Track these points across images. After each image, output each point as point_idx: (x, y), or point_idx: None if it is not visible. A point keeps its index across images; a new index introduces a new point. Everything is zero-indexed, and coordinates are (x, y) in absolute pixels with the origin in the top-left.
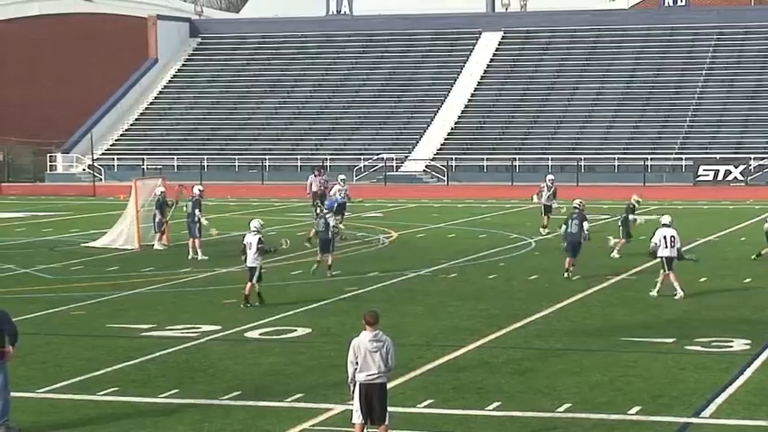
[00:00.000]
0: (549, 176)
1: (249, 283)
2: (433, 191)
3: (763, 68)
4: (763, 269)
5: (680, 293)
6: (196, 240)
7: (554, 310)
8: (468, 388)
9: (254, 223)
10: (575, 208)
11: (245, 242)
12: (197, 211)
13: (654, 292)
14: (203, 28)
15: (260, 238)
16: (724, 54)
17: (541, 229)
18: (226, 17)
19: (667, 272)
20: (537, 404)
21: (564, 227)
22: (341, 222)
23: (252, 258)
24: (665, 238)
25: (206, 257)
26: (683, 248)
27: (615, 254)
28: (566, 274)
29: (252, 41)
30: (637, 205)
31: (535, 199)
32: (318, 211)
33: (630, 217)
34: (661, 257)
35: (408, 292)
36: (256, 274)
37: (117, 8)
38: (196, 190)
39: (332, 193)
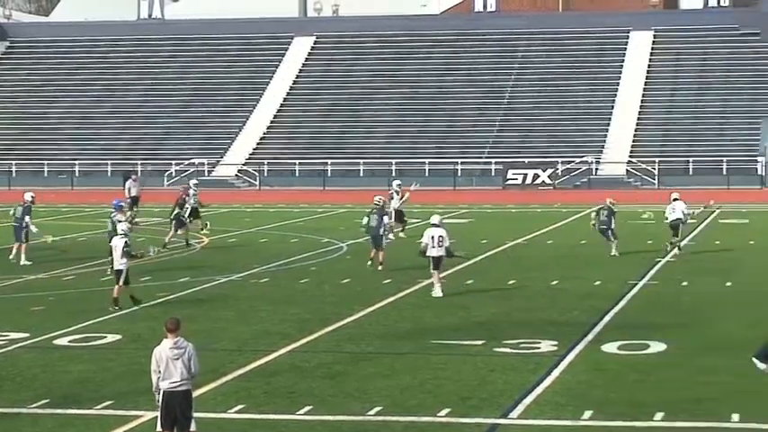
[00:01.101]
0: (396, 181)
1: (117, 287)
2: (245, 196)
3: (571, 74)
4: (570, 272)
5: (438, 293)
6: (22, 245)
7: (365, 313)
8: (279, 392)
9: (122, 227)
10: (375, 204)
11: (112, 245)
12: (27, 218)
13: (437, 292)
14: (11, 32)
15: (126, 242)
16: (533, 60)
17: (401, 234)
18: (35, 20)
19: (433, 271)
20: (348, 408)
21: (366, 219)
22: (204, 228)
23: (117, 261)
24: (433, 237)
25: (29, 263)
26: (452, 250)
27: (615, 252)
28: (369, 264)
29: (62, 45)
30: (613, 207)
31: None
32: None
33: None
34: (429, 257)
35: (220, 297)
36: (123, 276)
37: None
38: (28, 196)
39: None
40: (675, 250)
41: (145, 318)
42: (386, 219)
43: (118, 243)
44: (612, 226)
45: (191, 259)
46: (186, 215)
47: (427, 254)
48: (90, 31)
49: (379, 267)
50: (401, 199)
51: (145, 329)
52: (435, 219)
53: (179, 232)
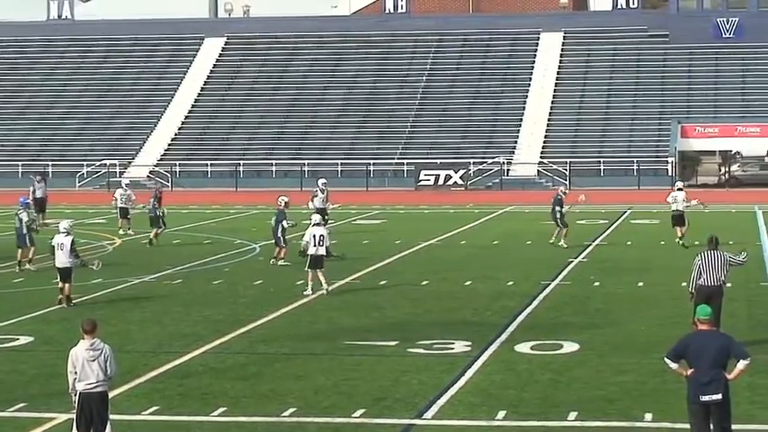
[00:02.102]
0: (321, 180)
1: (66, 284)
2: None
3: (481, 75)
4: (482, 272)
5: (309, 292)
6: None
7: (279, 314)
8: (193, 394)
9: (64, 224)
10: (278, 204)
11: (54, 243)
12: None
13: (309, 291)
14: None
15: (73, 239)
16: (444, 61)
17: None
18: None
19: (315, 270)
20: (262, 409)
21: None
22: (160, 232)
23: (65, 259)
24: (314, 236)
25: None
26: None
27: (563, 243)
28: (272, 261)
29: None
30: (564, 197)
31: (311, 205)
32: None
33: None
34: (309, 255)
35: (133, 298)
36: (69, 273)
37: None
38: None
39: (115, 196)
40: (681, 241)
41: (58, 319)
42: (285, 222)
43: (65, 241)
44: (557, 215)
45: (103, 261)
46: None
47: (309, 252)
48: None
49: (280, 262)
50: (325, 199)
51: (58, 331)
52: (317, 218)
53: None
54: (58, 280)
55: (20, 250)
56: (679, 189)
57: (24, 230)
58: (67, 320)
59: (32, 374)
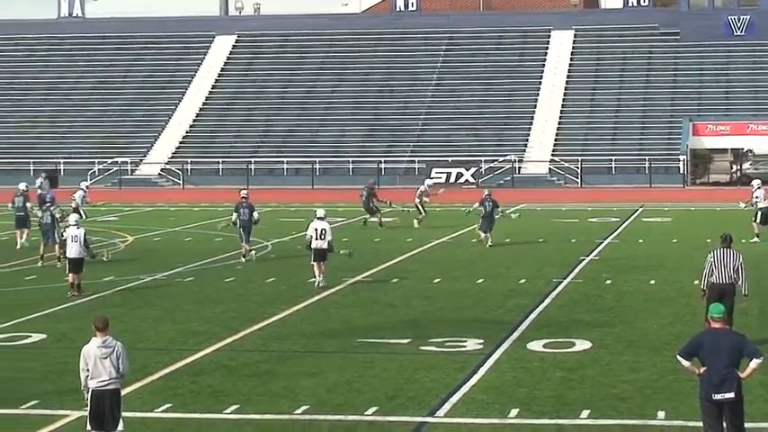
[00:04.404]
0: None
1: (72, 274)
2: (169, 194)
3: (493, 73)
4: (494, 270)
5: (321, 282)
6: None
7: (291, 312)
8: (206, 392)
9: (74, 216)
10: (242, 198)
11: (67, 235)
12: None
13: (321, 282)
14: None
15: (85, 231)
16: (455, 58)
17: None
18: None
19: (313, 263)
20: (275, 406)
21: (235, 215)
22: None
23: (77, 250)
24: (316, 230)
25: None
26: None
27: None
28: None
29: None
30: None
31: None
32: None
33: None
34: (313, 249)
35: (145, 296)
36: (80, 264)
37: None
38: None
39: (74, 196)
40: (756, 239)
41: (69, 317)
42: (255, 214)
43: (78, 233)
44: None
45: (115, 258)
46: None
47: (312, 246)
48: (7, 31)
49: (244, 259)
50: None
51: (69, 329)
52: (320, 212)
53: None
54: (67, 272)
55: (43, 245)
56: (758, 187)
57: (52, 227)
58: (80, 318)
59: (44, 372)
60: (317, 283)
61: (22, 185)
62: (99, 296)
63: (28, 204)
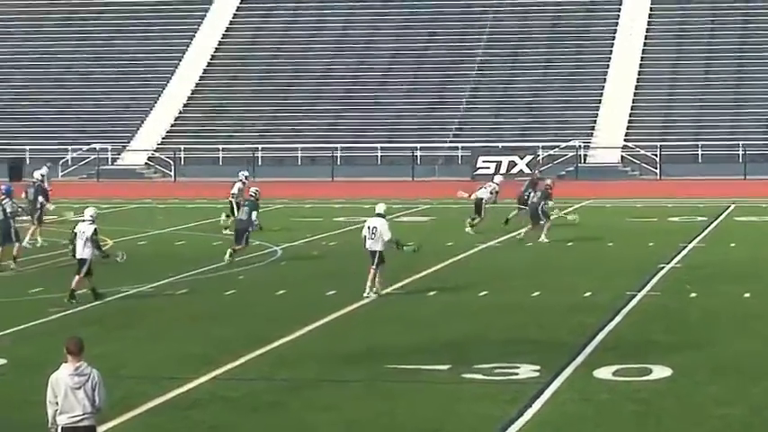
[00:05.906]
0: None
1: (78, 276)
2: (158, 188)
3: (552, 41)
4: (554, 280)
5: (371, 294)
6: None
7: (305, 331)
8: (199, 428)
9: (90, 211)
10: (250, 195)
11: (76, 230)
12: None
13: (367, 292)
14: None
15: (95, 229)
16: (507, 25)
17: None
18: None
19: (372, 267)
20: None
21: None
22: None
23: (82, 249)
24: (368, 228)
25: None
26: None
27: (544, 238)
28: (227, 257)
29: None
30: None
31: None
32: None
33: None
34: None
35: (127, 312)
36: (86, 266)
37: None
38: None
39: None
40: None
41: (35, 338)
42: (254, 214)
43: (87, 229)
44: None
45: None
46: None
47: (367, 247)
48: None
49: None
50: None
51: (34, 352)
52: (380, 207)
53: None
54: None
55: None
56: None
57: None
58: (47, 339)
59: (3, 402)
60: (365, 292)
61: None
62: (72, 312)
63: None
